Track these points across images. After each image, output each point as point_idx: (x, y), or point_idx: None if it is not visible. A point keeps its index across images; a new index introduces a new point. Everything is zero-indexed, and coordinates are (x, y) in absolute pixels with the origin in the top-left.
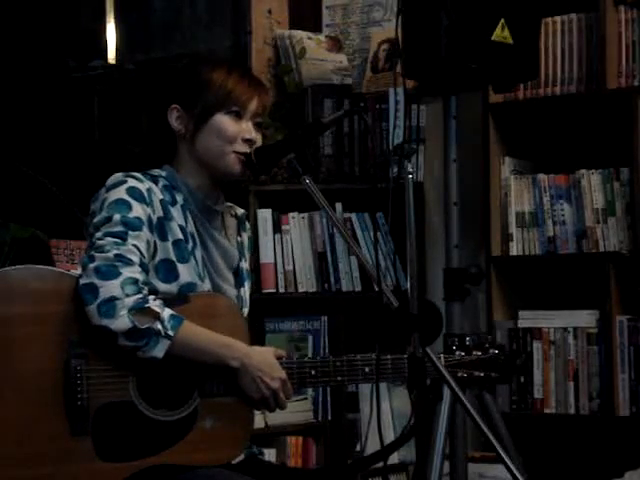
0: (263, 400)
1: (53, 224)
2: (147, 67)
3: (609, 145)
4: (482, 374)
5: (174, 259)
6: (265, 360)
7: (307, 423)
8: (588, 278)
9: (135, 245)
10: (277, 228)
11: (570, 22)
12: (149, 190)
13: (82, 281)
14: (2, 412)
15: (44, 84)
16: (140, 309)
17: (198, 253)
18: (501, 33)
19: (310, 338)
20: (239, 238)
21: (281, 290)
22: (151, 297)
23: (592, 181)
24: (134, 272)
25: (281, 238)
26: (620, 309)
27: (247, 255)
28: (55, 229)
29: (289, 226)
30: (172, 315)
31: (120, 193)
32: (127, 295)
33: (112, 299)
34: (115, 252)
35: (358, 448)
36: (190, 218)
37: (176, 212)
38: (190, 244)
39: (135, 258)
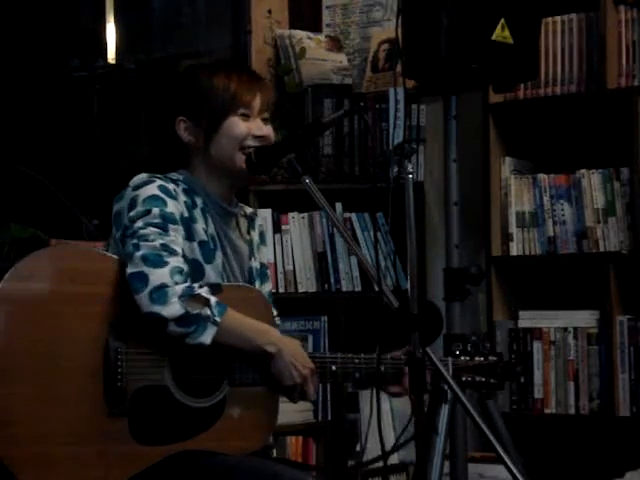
0: (294, 387)
1: (53, 224)
2: (147, 67)
3: (609, 145)
4: (483, 379)
5: (201, 259)
6: (297, 349)
7: (307, 423)
8: (588, 278)
9: (176, 237)
10: (277, 228)
11: (570, 22)
12: (175, 190)
13: (130, 269)
14: (45, 391)
15: (44, 84)
16: (190, 295)
17: (218, 255)
18: (501, 33)
19: (310, 338)
20: (249, 236)
21: (281, 290)
22: (196, 284)
23: (592, 181)
24: (179, 262)
25: (281, 238)
26: (620, 309)
27: (257, 254)
28: (55, 229)
29: (289, 226)
30: (217, 302)
31: (153, 190)
32: (176, 283)
33: (162, 286)
34: (160, 241)
35: (358, 448)
36: (210, 221)
37: (198, 215)
38: (211, 246)
39: (178, 249)
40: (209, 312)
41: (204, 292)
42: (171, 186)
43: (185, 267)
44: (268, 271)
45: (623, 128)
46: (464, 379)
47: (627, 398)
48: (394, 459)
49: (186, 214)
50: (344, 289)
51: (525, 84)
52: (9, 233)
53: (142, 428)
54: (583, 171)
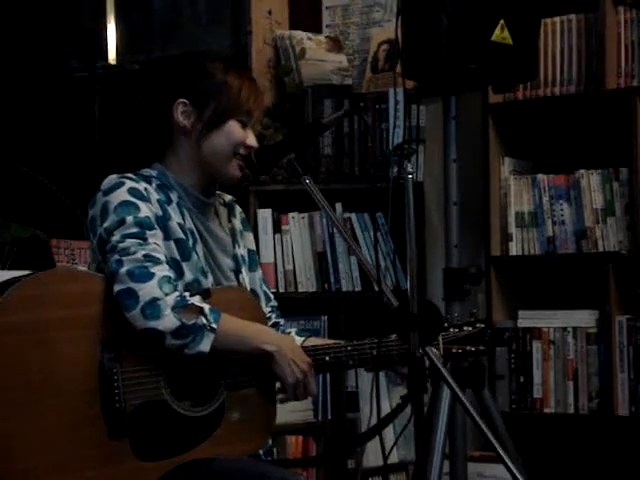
0: (296, 384)
1: (53, 224)
2: (148, 67)
3: (608, 145)
4: (473, 348)
5: (178, 258)
6: (294, 345)
7: (307, 423)
8: (588, 278)
9: (156, 243)
10: (277, 228)
11: (570, 22)
12: (146, 190)
13: (118, 287)
14: (45, 421)
15: (45, 84)
16: (183, 306)
17: (199, 249)
18: (501, 34)
19: None
20: (229, 224)
21: (281, 290)
22: (186, 293)
23: (591, 181)
24: (164, 270)
25: (281, 238)
26: (619, 309)
27: (241, 240)
28: (55, 229)
29: (289, 226)
30: (211, 309)
31: (123, 195)
32: (166, 294)
33: (154, 300)
34: (143, 252)
35: (358, 448)
36: (187, 215)
37: (173, 211)
38: (190, 241)
39: (161, 256)
40: (204, 320)
41: (196, 300)
42: (142, 186)
43: (172, 274)
44: (257, 257)
45: (622, 128)
46: (454, 351)
47: (626, 398)
48: (394, 459)
49: (160, 213)
50: (344, 289)
51: (524, 84)
52: (9, 233)
53: (144, 445)
54: (582, 171)
